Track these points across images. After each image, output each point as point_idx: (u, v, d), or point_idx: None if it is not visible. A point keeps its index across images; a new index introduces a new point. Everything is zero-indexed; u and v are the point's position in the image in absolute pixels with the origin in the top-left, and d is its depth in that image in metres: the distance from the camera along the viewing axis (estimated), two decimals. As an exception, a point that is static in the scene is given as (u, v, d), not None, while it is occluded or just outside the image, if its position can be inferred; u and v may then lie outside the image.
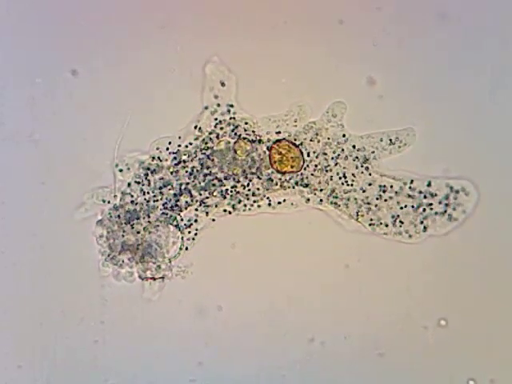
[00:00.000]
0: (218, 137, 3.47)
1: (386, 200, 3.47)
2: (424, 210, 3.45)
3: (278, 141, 3.48)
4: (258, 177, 3.48)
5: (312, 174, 3.48)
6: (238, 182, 3.48)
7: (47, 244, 3.54)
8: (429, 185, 3.45)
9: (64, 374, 3.55)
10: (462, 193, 3.45)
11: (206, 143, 3.48)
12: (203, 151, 3.48)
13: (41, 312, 3.55)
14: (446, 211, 3.45)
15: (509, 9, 3.43)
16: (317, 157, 3.48)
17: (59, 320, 3.55)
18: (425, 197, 3.45)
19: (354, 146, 3.47)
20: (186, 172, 3.48)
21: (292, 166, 3.47)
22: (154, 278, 3.50)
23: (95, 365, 3.53)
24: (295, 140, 3.48)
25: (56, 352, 3.54)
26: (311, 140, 3.47)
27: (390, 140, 3.45)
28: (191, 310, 3.54)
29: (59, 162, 3.54)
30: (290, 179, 3.48)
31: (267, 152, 3.48)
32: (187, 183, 3.48)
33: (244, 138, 3.46)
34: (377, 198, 3.48)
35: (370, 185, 3.48)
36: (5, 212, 3.55)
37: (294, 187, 3.49)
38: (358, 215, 3.48)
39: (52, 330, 3.55)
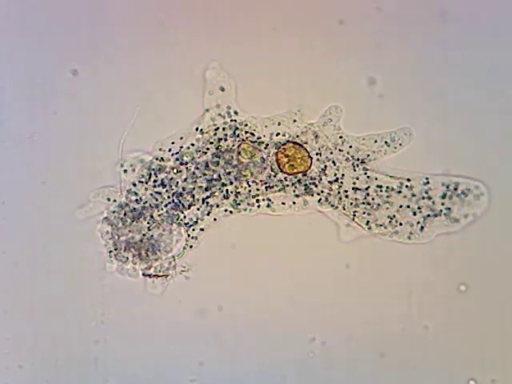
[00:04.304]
0: (222, 139, 3.49)
1: (380, 198, 3.47)
2: (441, 211, 3.46)
3: (283, 144, 3.48)
4: (268, 178, 3.49)
5: (311, 176, 3.49)
6: (240, 182, 3.49)
7: (48, 244, 3.55)
8: (426, 183, 3.46)
9: (65, 374, 3.55)
10: (470, 194, 3.45)
11: (211, 143, 3.49)
12: (206, 151, 3.49)
13: (41, 312, 3.55)
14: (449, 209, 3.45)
15: (509, 9, 3.43)
16: (317, 159, 3.49)
17: (60, 320, 3.55)
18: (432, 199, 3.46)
19: (350, 147, 3.48)
20: (189, 172, 3.49)
21: (299, 166, 3.47)
22: (157, 276, 3.51)
23: (96, 365, 3.53)
24: (297, 138, 3.48)
25: (57, 352, 3.55)
26: (308, 142, 3.48)
27: (386, 142, 3.46)
28: (192, 309, 3.54)
29: (60, 162, 3.54)
30: (290, 181, 3.49)
31: (274, 157, 3.48)
32: (190, 183, 3.49)
33: (249, 141, 3.47)
34: (373, 198, 3.48)
35: (367, 184, 3.49)
36: (6, 212, 3.56)
37: (294, 189, 3.49)
38: (354, 216, 3.49)
39: (52, 330, 3.55)
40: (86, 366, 3.54)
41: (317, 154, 3.48)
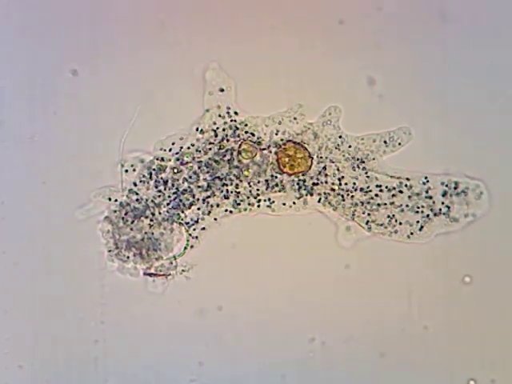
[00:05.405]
0: (223, 140, 3.49)
1: (380, 198, 3.47)
2: (440, 210, 3.46)
3: (283, 144, 3.48)
4: (268, 178, 3.49)
5: (311, 177, 3.49)
6: (241, 182, 3.49)
7: (48, 244, 3.55)
8: (425, 183, 3.46)
9: (65, 374, 3.55)
10: (470, 193, 3.45)
11: (211, 143, 3.49)
12: (207, 152, 3.50)
13: (41, 312, 3.55)
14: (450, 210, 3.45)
15: (509, 9, 3.44)
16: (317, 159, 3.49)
17: (60, 320, 3.55)
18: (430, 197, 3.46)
19: (350, 146, 3.48)
20: (189, 171, 3.49)
21: (299, 166, 3.47)
22: (158, 275, 3.50)
23: (96, 365, 3.53)
24: (297, 136, 3.49)
25: (57, 352, 3.54)
26: (308, 142, 3.48)
27: (385, 141, 3.46)
28: (191, 309, 3.54)
29: (60, 162, 3.55)
30: (289, 181, 3.49)
31: (274, 156, 3.48)
32: (190, 182, 3.49)
33: (249, 141, 3.47)
34: (372, 198, 3.48)
35: (367, 184, 3.49)
36: (6, 212, 3.56)
37: (294, 189, 3.49)
38: (354, 215, 3.48)
39: (52, 330, 3.55)
40: (86, 366, 3.54)
41: (317, 155, 3.49)
